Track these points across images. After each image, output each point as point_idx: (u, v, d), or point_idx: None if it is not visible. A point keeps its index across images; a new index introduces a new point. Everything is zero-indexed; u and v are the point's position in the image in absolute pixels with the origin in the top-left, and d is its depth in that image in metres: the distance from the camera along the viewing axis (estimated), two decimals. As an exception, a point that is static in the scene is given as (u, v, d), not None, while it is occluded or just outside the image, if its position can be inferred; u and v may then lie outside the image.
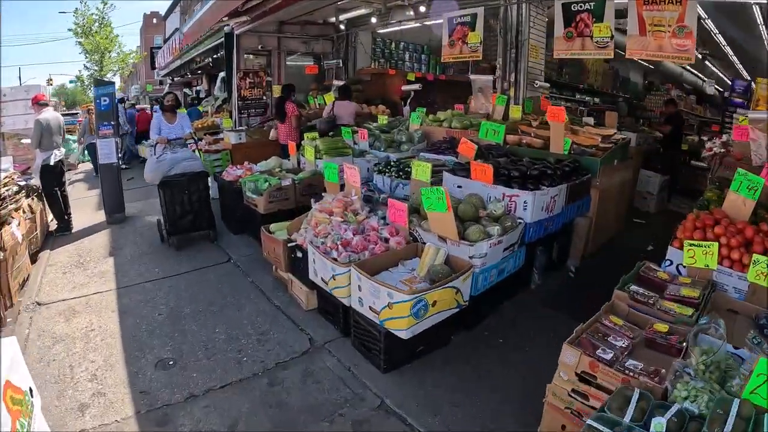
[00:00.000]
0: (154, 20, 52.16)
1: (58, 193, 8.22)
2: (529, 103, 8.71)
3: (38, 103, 8.14)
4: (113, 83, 9.14)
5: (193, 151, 7.97)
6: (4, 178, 6.51)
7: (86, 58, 31.10)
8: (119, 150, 9.04)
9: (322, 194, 5.80)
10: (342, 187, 5.89)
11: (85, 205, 10.56)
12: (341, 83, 11.95)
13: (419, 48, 14.35)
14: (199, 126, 14.03)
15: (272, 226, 5.87)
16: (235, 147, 10.22)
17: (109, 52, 31.37)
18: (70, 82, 39.84)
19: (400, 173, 6.16)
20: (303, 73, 13.86)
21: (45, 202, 8.15)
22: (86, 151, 15.38)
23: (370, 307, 4.12)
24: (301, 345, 4.65)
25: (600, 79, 17.21)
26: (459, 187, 5.47)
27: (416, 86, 11.46)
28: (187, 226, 7.25)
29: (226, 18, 11.28)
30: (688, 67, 16.82)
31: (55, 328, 5.07)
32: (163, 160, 7.05)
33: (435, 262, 4.39)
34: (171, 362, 4.40)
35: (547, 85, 11.67)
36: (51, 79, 44.38)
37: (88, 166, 15.50)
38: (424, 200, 4.54)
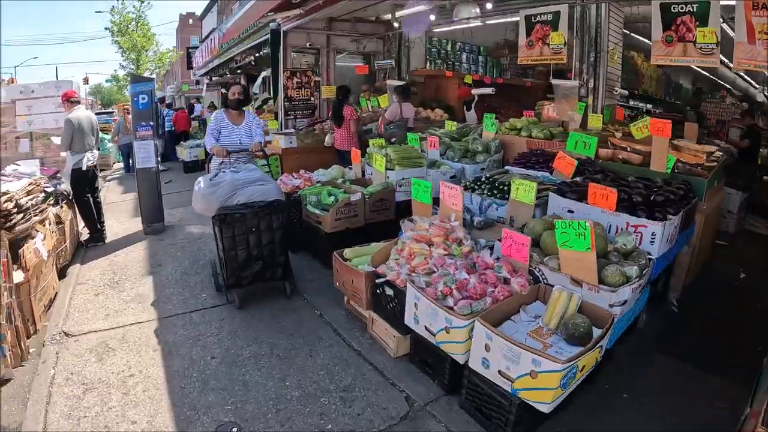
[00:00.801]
0: (190, 21, 51.74)
1: (91, 200, 7.35)
2: (607, 112, 7.84)
3: (69, 100, 7.23)
4: (152, 79, 8.23)
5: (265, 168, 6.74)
6: (28, 185, 5.56)
7: (123, 56, 30.60)
8: (158, 153, 8.07)
9: (413, 218, 4.71)
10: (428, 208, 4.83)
11: (119, 210, 9.68)
12: (399, 83, 10.94)
13: (475, 49, 13.27)
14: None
15: (347, 252, 4.84)
16: (285, 152, 9.25)
17: (146, 50, 30.78)
18: (107, 81, 39.57)
19: (494, 192, 5.09)
20: (352, 74, 12.86)
21: (76, 209, 7.27)
22: (120, 151, 14.70)
23: (500, 372, 3.11)
24: (398, 407, 3.61)
25: (654, 84, 16.44)
26: (570, 212, 4.43)
27: (489, 90, 10.40)
28: (255, 276, 5.13)
29: (271, 13, 10.37)
30: (742, 73, 15.48)
31: (86, 369, 4.11)
32: (221, 182, 5.10)
33: (568, 311, 3.41)
34: (234, 429, 3.38)
35: (626, 92, 10.59)
36: (87, 78, 44.30)
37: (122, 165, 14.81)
38: (559, 235, 3.49)
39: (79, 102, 7.42)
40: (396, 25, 12.06)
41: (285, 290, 5.33)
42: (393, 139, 8.33)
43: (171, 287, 5.80)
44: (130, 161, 14.28)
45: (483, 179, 5.41)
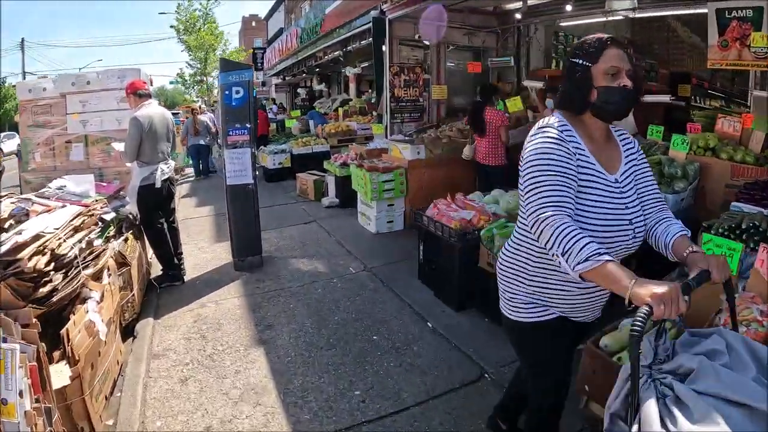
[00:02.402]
0: (253, 23, 50.60)
1: (165, 225, 5.39)
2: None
3: (136, 93, 5.22)
4: (249, 67, 6.11)
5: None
6: (75, 217, 3.56)
7: (189, 55, 29.01)
8: (256, 163, 5.99)
9: None
10: None
11: (196, 230, 7.68)
12: (538, 84, 8.68)
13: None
14: (333, 131, 11.08)
15: (609, 340, 2.54)
16: (412, 165, 7.07)
17: (214, 49, 29.17)
18: (171, 82, 38.03)
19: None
20: (461, 73, 10.64)
21: (144, 238, 5.33)
22: (189, 154, 12.88)
23: None
24: None
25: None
26: None
27: (665, 98, 8.12)
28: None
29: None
30: None
31: None
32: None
33: None
34: None
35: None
36: (152, 79, 43.09)
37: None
38: None
39: (149, 96, 5.40)
40: (518, 16, 9.79)
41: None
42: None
43: (298, 372, 3.73)
44: (200, 163, 12.45)
45: (748, 225, 3.29)
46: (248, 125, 5.73)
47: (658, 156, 5.50)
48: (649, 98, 8.28)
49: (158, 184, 5.10)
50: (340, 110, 13.85)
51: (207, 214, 8.59)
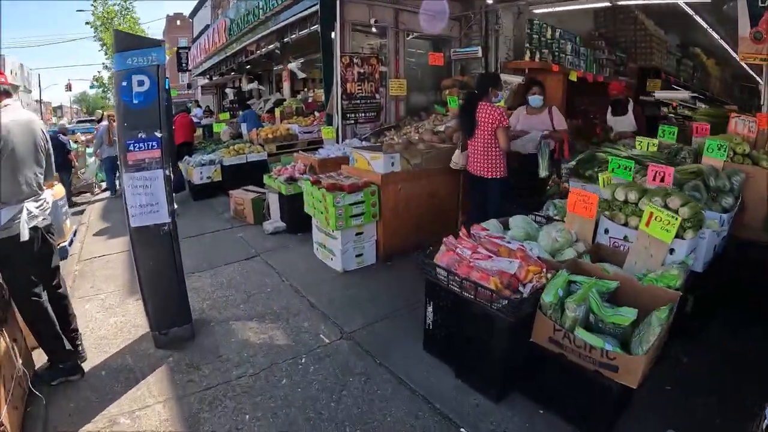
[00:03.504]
0: (178, 22, 46.99)
1: (45, 297, 3.33)
2: None
3: (-7, 91, 3.19)
4: (160, 44, 3.93)
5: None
6: None
7: (106, 55, 25.77)
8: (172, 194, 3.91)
9: None
10: None
11: (103, 277, 5.56)
12: (517, 78, 7.07)
13: (573, 37, 9.36)
14: (270, 135, 9.05)
15: None
16: (385, 181, 5.22)
17: None
18: (90, 87, 34.20)
19: None
20: (421, 66, 8.89)
21: (13, 316, 3.28)
22: (102, 168, 10.50)
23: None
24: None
25: (718, 85, 15.23)
26: None
27: (684, 94, 6.80)
28: None
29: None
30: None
31: None
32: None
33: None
34: None
35: None
36: (70, 84, 39.10)
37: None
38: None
39: (9, 94, 3.32)
40: (489, 1, 8.15)
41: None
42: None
43: None
44: (117, 179, 10.01)
45: None
46: (159, 135, 3.71)
47: (696, 165, 4.19)
48: (663, 95, 6.93)
49: (25, 235, 3.03)
50: (277, 111, 11.78)
51: (121, 249, 6.38)
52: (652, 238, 3.30)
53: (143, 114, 3.70)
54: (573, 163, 5.02)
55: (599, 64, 10.09)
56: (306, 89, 15.66)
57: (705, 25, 11.53)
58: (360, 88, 7.67)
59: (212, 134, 12.29)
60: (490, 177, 4.93)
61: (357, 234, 5.21)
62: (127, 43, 3.75)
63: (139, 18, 26.16)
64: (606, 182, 3.94)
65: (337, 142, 7.44)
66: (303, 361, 3.63)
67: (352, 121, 7.71)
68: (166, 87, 3.80)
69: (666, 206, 3.35)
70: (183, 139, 10.13)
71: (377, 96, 7.94)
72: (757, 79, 8.91)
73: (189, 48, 22.87)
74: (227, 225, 7.14)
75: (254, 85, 16.35)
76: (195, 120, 14.74)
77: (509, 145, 4.87)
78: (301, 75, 12.03)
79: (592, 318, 2.90)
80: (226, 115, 13.94)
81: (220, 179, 8.69)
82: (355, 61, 7.53)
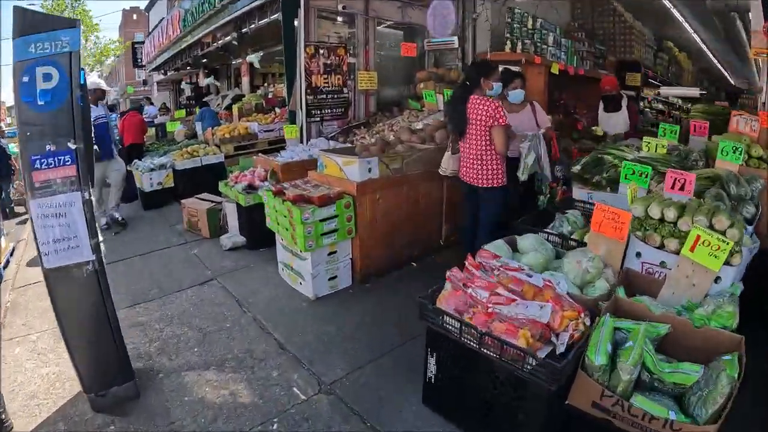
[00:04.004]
0: (134, 16, 44.84)
1: None
2: None
3: None
4: (74, 24, 2.94)
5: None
6: None
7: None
8: (95, 224, 2.97)
9: None
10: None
11: (35, 312, 4.58)
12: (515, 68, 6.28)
13: (554, 28, 8.68)
14: (227, 135, 8.11)
15: None
16: (362, 190, 4.41)
17: (85, 39, 24.28)
18: None
19: None
20: (395, 57, 8.05)
21: None
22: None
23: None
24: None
25: (690, 79, 15.11)
26: None
27: (694, 92, 6.40)
28: None
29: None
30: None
31: None
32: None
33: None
34: None
35: None
36: None
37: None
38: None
39: None
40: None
41: None
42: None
43: None
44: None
45: None
46: (73, 146, 2.81)
47: (711, 170, 3.61)
48: (672, 91, 6.32)
49: None
50: (235, 108, 10.77)
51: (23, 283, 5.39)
52: (697, 265, 2.63)
53: (52, 119, 2.79)
54: (578, 167, 4.29)
55: (580, 56, 9.45)
56: (266, 84, 14.65)
57: (681, 18, 11.20)
58: (326, 81, 6.80)
59: (166, 134, 11.17)
60: (485, 186, 4.16)
61: (330, 254, 4.38)
62: (30, 23, 2.82)
63: (90, 10, 24.39)
64: (633, 195, 3.21)
65: (301, 142, 6.58)
66: (275, 427, 2.80)
67: (318, 119, 6.84)
68: (81, 80, 2.85)
69: (711, 227, 2.66)
70: (132, 141, 9.06)
71: (345, 90, 7.08)
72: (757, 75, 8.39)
73: (144, 42, 21.50)
74: (180, 239, 6.18)
75: (211, 80, 15.22)
76: (147, 119, 13.61)
77: (507, 148, 4.09)
78: (258, 66, 11.04)
79: (645, 376, 2.20)
80: (182, 113, 12.82)
81: (173, 185, 7.69)
82: (321, 51, 6.66)
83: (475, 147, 4.12)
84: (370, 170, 4.47)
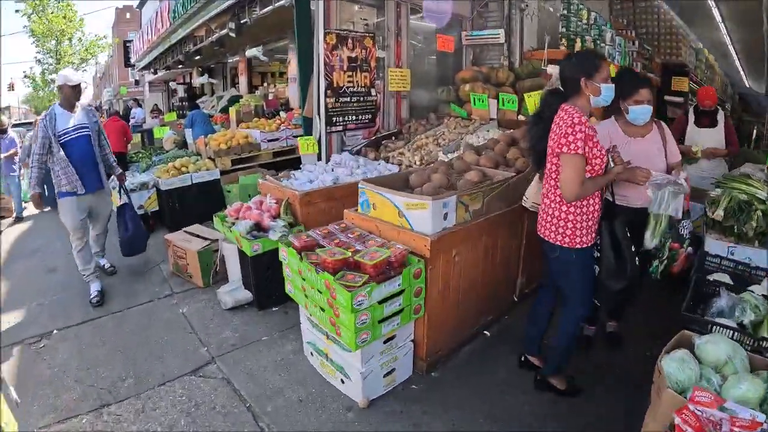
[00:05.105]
0: (128, 15, 42.49)
1: None
2: None
3: None
4: None
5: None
6: None
7: (37, 46, 21.95)
8: None
9: None
10: None
11: None
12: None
13: (605, 24, 7.08)
14: (223, 146, 6.46)
15: None
16: (437, 246, 2.83)
17: (68, 37, 22.21)
18: (27, 86, 29.31)
19: None
20: (426, 51, 6.42)
21: None
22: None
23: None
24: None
25: (719, 81, 13.94)
26: None
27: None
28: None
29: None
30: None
31: None
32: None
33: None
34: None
35: None
36: (13, 84, 34.04)
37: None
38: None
39: None
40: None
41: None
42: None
43: None
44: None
45: None
46: None
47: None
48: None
49: None
50: (232, 111, 9.06)
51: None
52: None
53: None
54: (720, 212, 2.72)
55: (631, 57, 7.89)
56: (266, 84, 12.95)
57: (719, 18, 10.08)
58: (350, 79, 5.17)
59: (153, 141, 9.39)
60: (554, 243, 2.59)
61: (387, 341, 2.75)
62: None
63: (74, 4, 22.29)
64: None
65: (321, 159, 4.94)
66: None
67: (340, 127, 5.21)
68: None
69: None
70: (113, 150, 7.33)
71: (373, 91, 5.44)
72: None
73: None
74: (165, 289, 4.50)
75: (205, 78, 13.47)
76: (134, 123, 11.85)
77: (579, 191, 2.40)
78: (264, 59, 9.33)
79: None
80: (173, 116, 11.07)
81: (157, 208, 5.98)
82: (345, 41, 5.01)
83: (546, 184, 2.59)
84: (446, 216, 2.84)
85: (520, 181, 3.37)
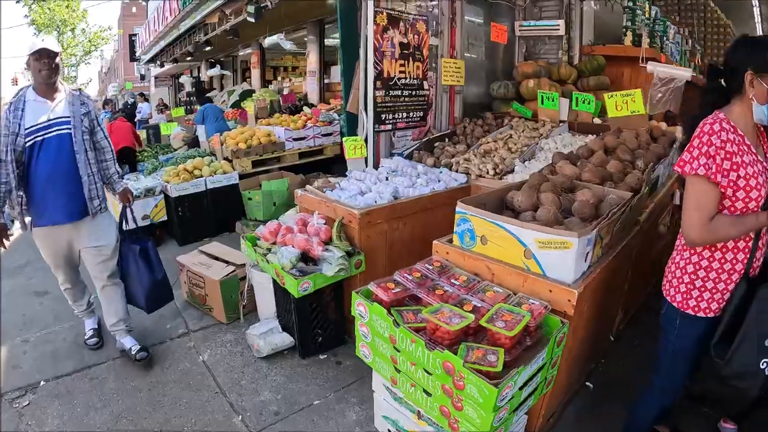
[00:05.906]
0: (134, 9, 41.28)
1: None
2: None
3: None
4: None
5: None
6: None
7: (37, 36, 20.88)
8: None
9: None
10: None
11: None
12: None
13: (661, 15, 6.20)
14: (241, 145, 5.51)
15: None
16: (581, 300, 2.13)
17: (72, 28, 21.12)
18: (29, 80, 28.03)
19: None
20: (482, 42, 5.47)
21: None
22: None
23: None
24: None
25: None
26: None
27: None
28: None
29: None
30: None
31: None
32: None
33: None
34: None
35: None
36: (16, 78, 32.70)
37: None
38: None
39: None
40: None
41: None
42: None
43: None
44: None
45: None
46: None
47: None
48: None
49: None
50: (249, 106, 8.10)
51: None
52: None
53: None
54: None
55: (685, 57, 7.03)
56: (279, 78, 12.00)
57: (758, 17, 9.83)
58: (402, 69, 4.23)
59: (160, 138, 8.39)
60: (664, 295, 1.78)
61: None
62: None
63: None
64: None
65: (370, 164, 4.02)
66: None
67: (390, 125, 4.26)
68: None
69: None
70: (124, 144, 6.39)
71: (425, 85, 4.51)
72: None
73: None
74: (179, 325, 3.56)
75: (217, 70, 12.44)
76: (140, 118, 10.88)
77: (703, 233, 1.53)
78: (288, 46, 8.36)
79: None
80: (180, 111, 10.06)
81: (165, 218, 5.01)
82: (397, 24, 4.08)
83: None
84: (586, 257, 1.91)
85: (639, 203, 2.49)
